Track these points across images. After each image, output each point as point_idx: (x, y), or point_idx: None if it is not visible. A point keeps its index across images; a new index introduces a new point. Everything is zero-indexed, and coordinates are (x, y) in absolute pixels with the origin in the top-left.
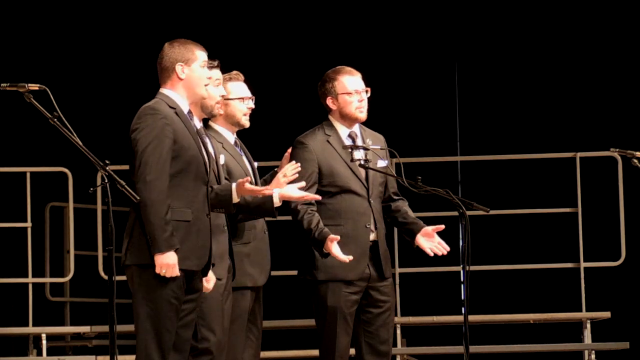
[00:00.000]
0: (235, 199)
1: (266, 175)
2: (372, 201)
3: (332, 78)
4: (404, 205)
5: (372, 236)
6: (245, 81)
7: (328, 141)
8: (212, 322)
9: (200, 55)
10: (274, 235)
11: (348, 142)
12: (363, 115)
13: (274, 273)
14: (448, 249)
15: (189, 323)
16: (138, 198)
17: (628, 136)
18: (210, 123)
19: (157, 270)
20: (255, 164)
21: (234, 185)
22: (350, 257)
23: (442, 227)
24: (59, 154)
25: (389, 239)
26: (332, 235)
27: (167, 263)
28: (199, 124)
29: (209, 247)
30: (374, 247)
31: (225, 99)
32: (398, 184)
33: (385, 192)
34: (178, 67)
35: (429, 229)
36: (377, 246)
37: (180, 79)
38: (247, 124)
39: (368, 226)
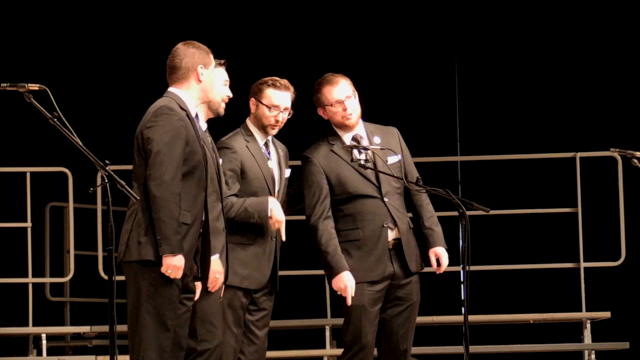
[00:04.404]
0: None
1: (290, 187)
2: (387, 200)
3: (317, 90)
4: (421, 203)
5: (392, 234)
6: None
7: (332, 150)
8: (212, 324)
9: (212, 58)
10: None
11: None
12: (351, 121)
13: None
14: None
15: (185, 322)
16: (138, 198)
17: (628, 136)
18: (247, 122)
19: (163, 270)
20: (288, 172)
21: (270, 201)
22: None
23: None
24: (59, 154)
25: None
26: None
27: (176, 265)
28: (204, 126)
29: (194, 251)
30: (397, 244)
31: (259, 102)
32: None
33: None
34: (200, 70)
35: (433, 257)
36: (400, 243)
37: (200, 81)
38: (273, 132)
39: (386, 225)
